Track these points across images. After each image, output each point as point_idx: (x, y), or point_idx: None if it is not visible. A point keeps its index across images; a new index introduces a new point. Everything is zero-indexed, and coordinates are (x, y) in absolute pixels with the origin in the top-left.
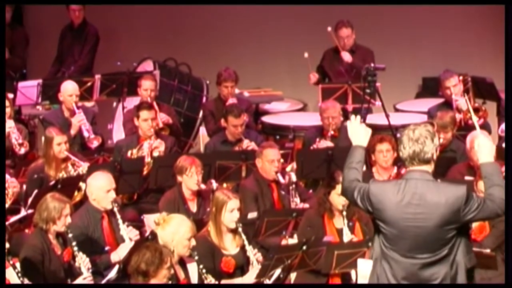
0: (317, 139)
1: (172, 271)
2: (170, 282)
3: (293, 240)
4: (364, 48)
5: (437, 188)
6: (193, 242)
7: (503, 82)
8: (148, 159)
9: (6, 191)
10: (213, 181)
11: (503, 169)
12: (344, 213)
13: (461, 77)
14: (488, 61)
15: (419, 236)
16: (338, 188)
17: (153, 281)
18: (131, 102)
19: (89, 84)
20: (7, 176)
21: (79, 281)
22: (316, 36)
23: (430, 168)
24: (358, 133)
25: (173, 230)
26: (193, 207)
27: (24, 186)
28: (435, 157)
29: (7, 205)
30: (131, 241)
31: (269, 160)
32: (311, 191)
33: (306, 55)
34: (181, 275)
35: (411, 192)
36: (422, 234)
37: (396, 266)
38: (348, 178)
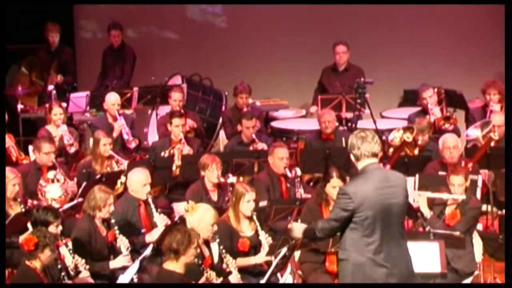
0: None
1: (198, 250)
2: (196, 259)
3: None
4: (356, 67)
5: (390, 173)
6: (215, 228)
7: (472, 93)
8: (177, 162)
9: (66, 193)
10: (230, 175)
11: (470, 165)
12: None
13: (435, 90)
14: (459, 75)
15: (394, 211)
16: (333, 181)
17: (182, 258)
18: (163, 110)
19: (128, 95)
20: (69, 182)
21: (119, 258)
22: (317, 54)
23: (377, 160)
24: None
25: (200, 217)
26: (214, 196)
27: (75, 179)
28: (379, 151)
29: (66, 206)
30: (162, 226)
31: (279, 158)
32: (311, 183)
33: (313, 109)
34: (206, 252)
35: (379, 179)
36: (396, 209)
37: (379, 248)
38: (319, 229)
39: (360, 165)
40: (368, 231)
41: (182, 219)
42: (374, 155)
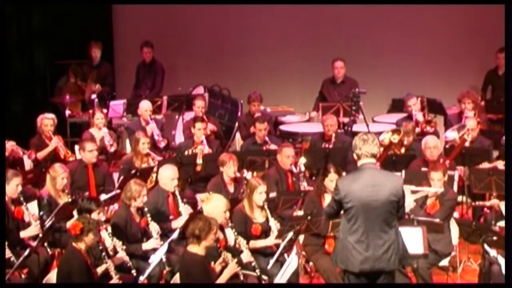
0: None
1: (217, 236)
2: (215, 243)
3: (301, 212)
4: (351, 79)
5: (382, 173)
6: (227, 214)
7: (449, 102)
8: (199, 161)
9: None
10: (245, 170)
11: (447, 162)
12: None
13: (419, 98)
14: (439, 87)
15: (376, 207)
16: (330, 176)
17: (203, 242)
18: (188, 115)
19: (159, 102)
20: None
21: (151, 241)
22: (318, 67)
23: (375, 160)
24: None
25: (213, 206)
26: (231, 189)
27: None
28: (378, 152)
29: (106, 196)
30: (186, 215)
31: (286, 156)
32: (313, 178)
33: (313, 114)
34: (220, 235)
35: (368, 177)
36: (378, 204)
37: (363, 240)
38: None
39: (359, 163)
40: (352, 219)
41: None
42: (373, 155)
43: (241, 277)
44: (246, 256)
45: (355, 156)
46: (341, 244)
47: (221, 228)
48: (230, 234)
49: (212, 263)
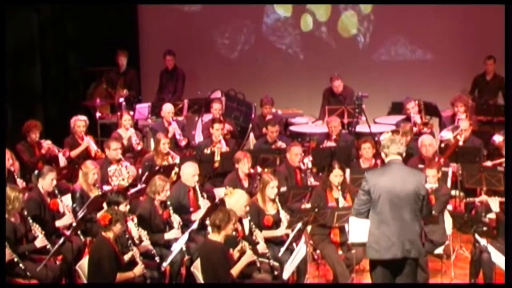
0: (325, 141)
1: (237, 226)
2: (234, 233)
3: (309, 205)
4: (349, 88)
5: (408, 170)
6: (248, 209)
7: (444, 105)
8: (217, 158)
9: (128, 174)
10: (258, 167)
11: (442, 160)
12: (339, 187)
13: (416, 102)
14: (434, 91)
15: (402, 199)
16: (335, 171)
17: (223, 232)
18: (207, 117)
19: (180, 105)
20: (127, 163)
21: (173, 231)
22: (324, 74)
23: (401, 158)
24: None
25: (236, 200)
26: (245, 184)
27: (140, 170)
28: (403, 151)
29: (127, 183)
30: (204, 208)
31: (295, 154)
32: (320, 174)
33: (319, 123)
34: (239, 227)
35: (394, 173)
36: (403, 197)
37: (390, 227)
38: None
39: (387, 160)
40: (378, 208)
41: (222, 201)
42: (399, 154)
43: (258, 264)
44: (261, 247)
45: (383, 155)
46: (373, 237)
47: (240, 220)
48: (246, 224)
49: (231, 250)
